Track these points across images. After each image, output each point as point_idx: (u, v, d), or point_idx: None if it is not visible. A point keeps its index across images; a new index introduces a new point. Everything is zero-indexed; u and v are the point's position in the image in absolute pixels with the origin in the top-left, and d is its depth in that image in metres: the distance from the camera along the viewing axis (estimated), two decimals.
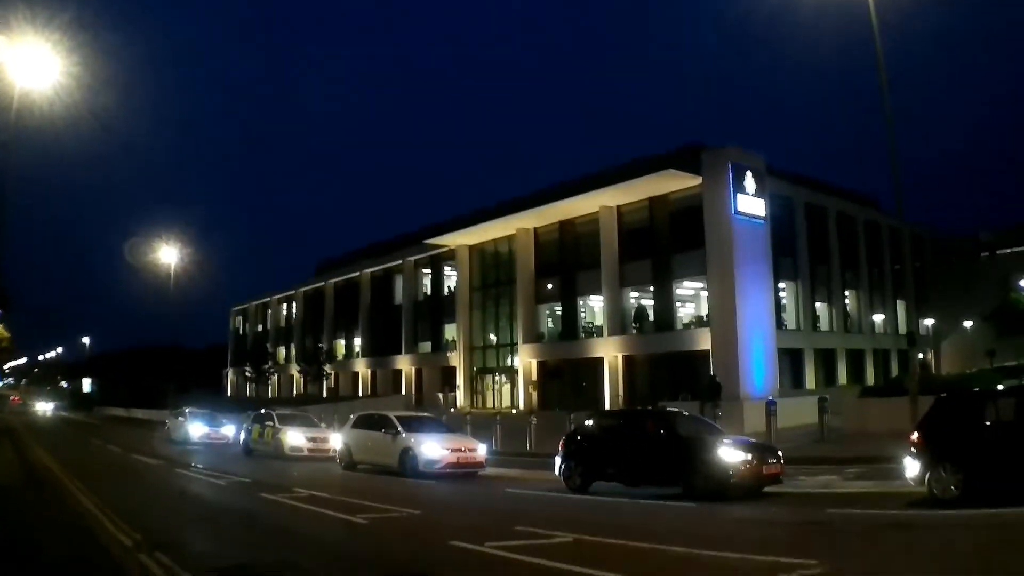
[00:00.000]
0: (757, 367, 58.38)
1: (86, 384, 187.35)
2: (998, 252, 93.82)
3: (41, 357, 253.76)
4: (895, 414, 34.58)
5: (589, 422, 29.54)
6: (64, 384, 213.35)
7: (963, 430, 19.62)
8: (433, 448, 31.69)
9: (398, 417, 35.00)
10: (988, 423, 19.28)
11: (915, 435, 20.52)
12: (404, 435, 32.80)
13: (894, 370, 71.01)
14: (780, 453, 24.21)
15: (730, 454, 22.55)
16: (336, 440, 39.87)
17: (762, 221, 61.16)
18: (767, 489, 22.93)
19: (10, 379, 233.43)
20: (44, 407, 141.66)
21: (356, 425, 36.73)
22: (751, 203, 60.21)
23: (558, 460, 27.41)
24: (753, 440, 26.39)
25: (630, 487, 25.08)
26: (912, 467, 20.09)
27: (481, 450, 33.14)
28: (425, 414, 43.94)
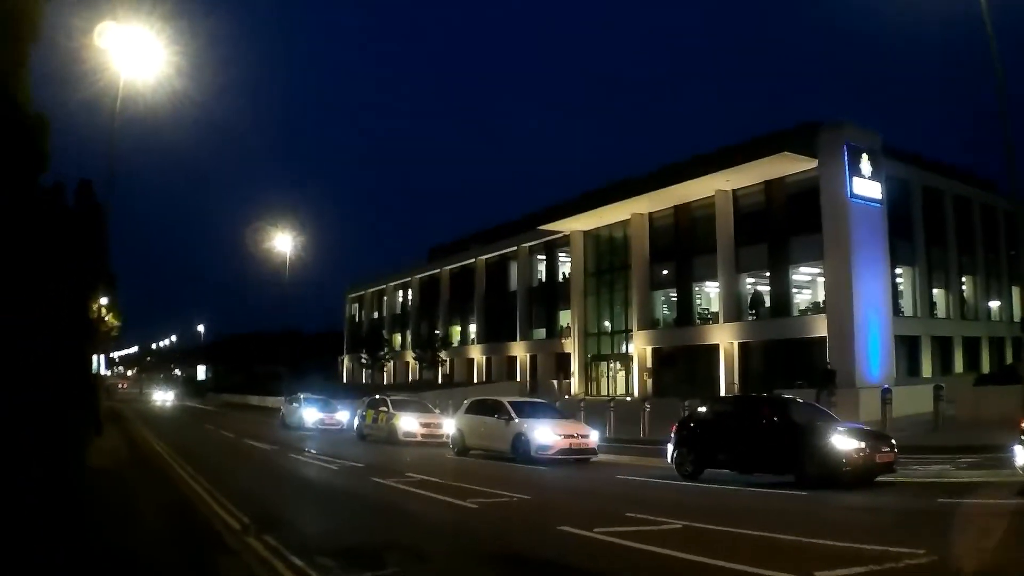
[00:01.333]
0: (873, 354, 57.73)
1: (200, 371, 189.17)
2: None
3: (154, 345, 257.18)
4: (1009, 402, 34.12)
5: (701, 409, 29.48)
6: (177, 372, 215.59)
7: None
8: (545, 433, 31.88)
9: (511, 403, 35.18)
10: None
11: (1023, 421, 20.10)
12: (516, 420, 33.02)
13: (1008, 357, 69.68)
14: (894, 441, 23.88)
15: (843, 442, 22.38)
16: (449, 426, 40.20)
17: (878, 204, 60.27)
18: (880, 478, 22.74)
19: (120, 367, 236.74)
20: (163, 396, 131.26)
21: (469, 411, 37.05)
22: (867, 185, 59.38)
23: (670, 447, 27.34)
24: (866, 427, 26.30)
25: (742, 474, 25.06)
26: (1021, 455, 19.79)
27: (593, 436, 33.22)
28: (538, 400, 44.05)
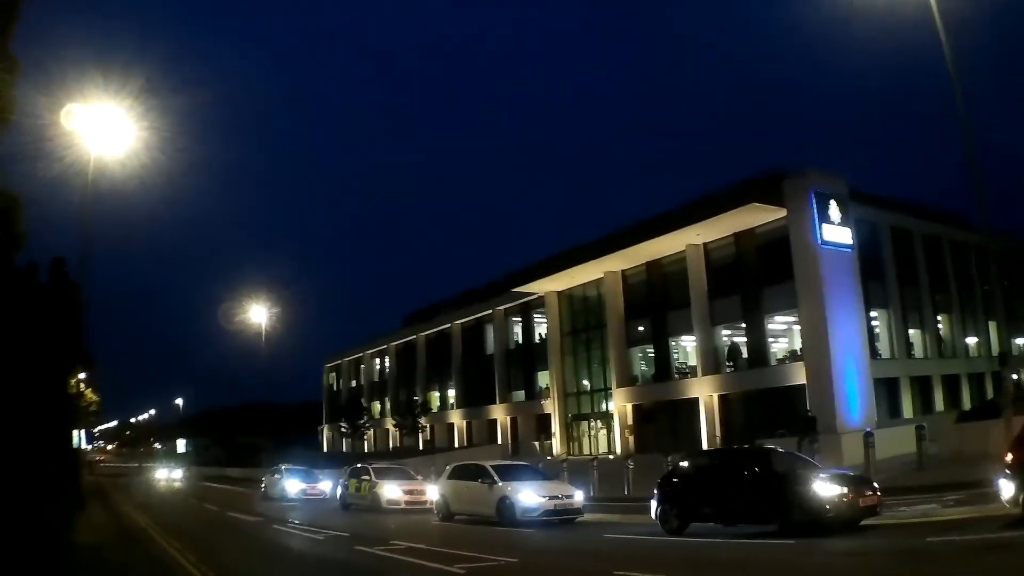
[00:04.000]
0: (853, 398, 57.69)
1: (181, 444, 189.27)
2: None
3: (133, 419, 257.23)
4: (991, 437, 34.53)
5: (684, 463, 29.63)
6: (158, 445, 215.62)
7: None
8: (530, 496, 31.87)
9: (494, 466, 35.25)
10: None
11: (1008, 456, 20.20)
12: (500, 484, 32.95)
13: (989, 393, 69.70)
14: (876, 484, 24.09)
15: (825, 488, 22.53)
16: (433, 492, 40.14)
17: (849, 248, 60.37)
18: (865, 521, 22.86)
19: (100, 442, 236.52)
20: (169, 474, 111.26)
21: (452, 476, 37.00)
22: (836, 231, 59.53)
23: (653, 503, 27.45)
24: (849, 472, 26.44)
25: (727, 526, 25.12)
26: (1007, 488, 19.81)
27: (578, 496, 33.25)
28: (521, 462, 44.01)
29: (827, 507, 22.20)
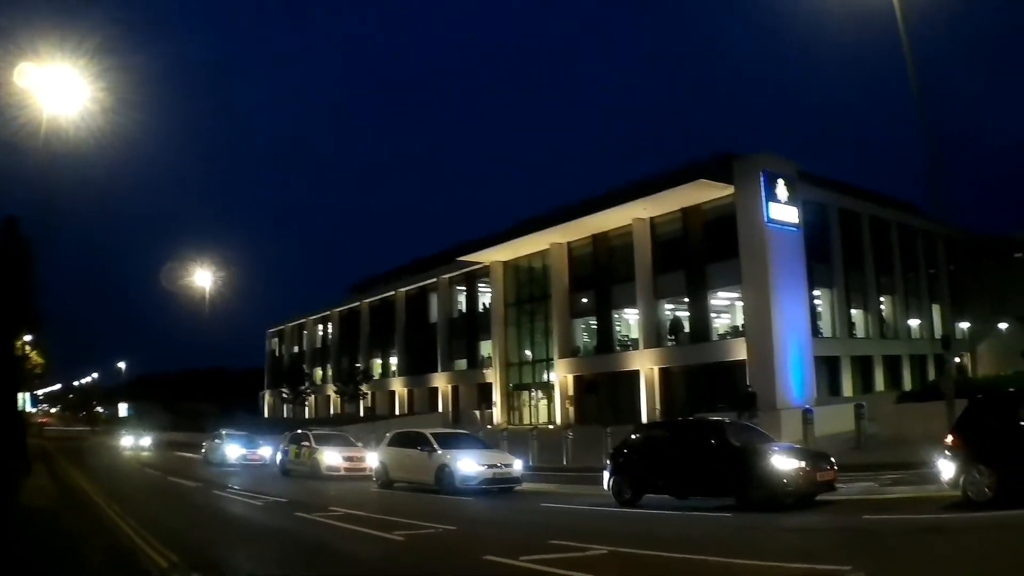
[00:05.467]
0: (794, 376, 58.18)
1: (123, 409, 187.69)
2: None
3: (76, 383, 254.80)
4: (932, 419, 34.48)
5: (637, 434, 29.37)
6: (100, 409, 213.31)
7: (997, 432, 19.50)
8: (469, 464, 31.76)
9: (433, 434, 35.09)
10: (1022, 424, 19.13)
11: (949, 438, 20.41)
12: (440, 452, 32.82)
13: (931, 375, 70.75)
14: (833, 460, 23.99)
15: (784, 462, 22.44)
16: (372, 459, 39.93)
17: (796, 228, 60.80)
18: (821, 497, 22.83)
19: (44, 405, 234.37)
20: (135, 442, 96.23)
21: (392, 443, 36.76)
22: (784, 210, 59.94)
23: (606, 474, 27.20)
24: (806, 447, 26.91)
25: (681, 499, 24.88)
26: (947, 470, 19.98)
27: (517, 465, 33.13)
28: (461, 431, 44.09)
29: (784, 482, 22.13)
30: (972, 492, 19.06)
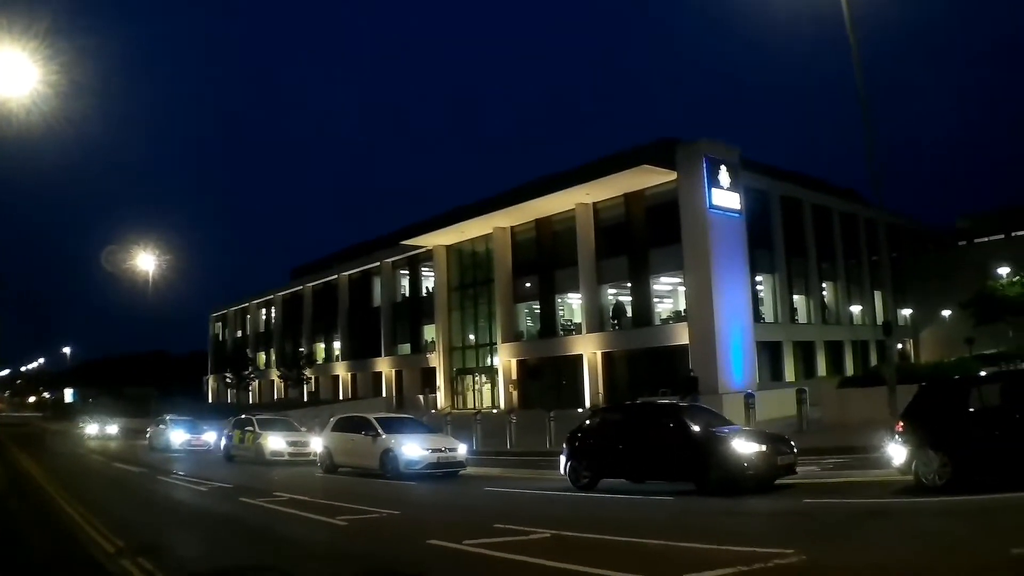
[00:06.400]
0: (736, 361, 58.62)
1: (68, 394, 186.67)
2: (975, 240, 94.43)
3: (24, 368, 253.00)
4: (873, 404, 34.78)
5: (594, 418, 29.24)
6: (46, 395, 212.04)
7: (948, 417, 19.68)
8: (413, 449, 31.83)
9: (378, 419, 35.14)
10: (972, 409, 19.26)
11: (900, 423, 20.58)
12: (384, 436, 32.91)
13: (873, 360, 71.33)
14: (793, 443, 24.10)
15: (744, 446, 22.38)
16: (316, 444, 40.01)
17: (738, 214, 61.25)
18: (780, 481, 22.95)
19: None
20: (100, 430, 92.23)
21: (336, 428, 36.79)
22: (726, 196, 60.33)
23: (563, 458, 27.09)
24: (767, 431, 26.38)
25: (639, 483, 24.88)
26: (899, 455, 20.16)
27: (462, 450, 33.28)
28: (405, 415, 44.09)
29: (745, 465, 22.10)
30: (925, 477, 19.25)
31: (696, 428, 23.80)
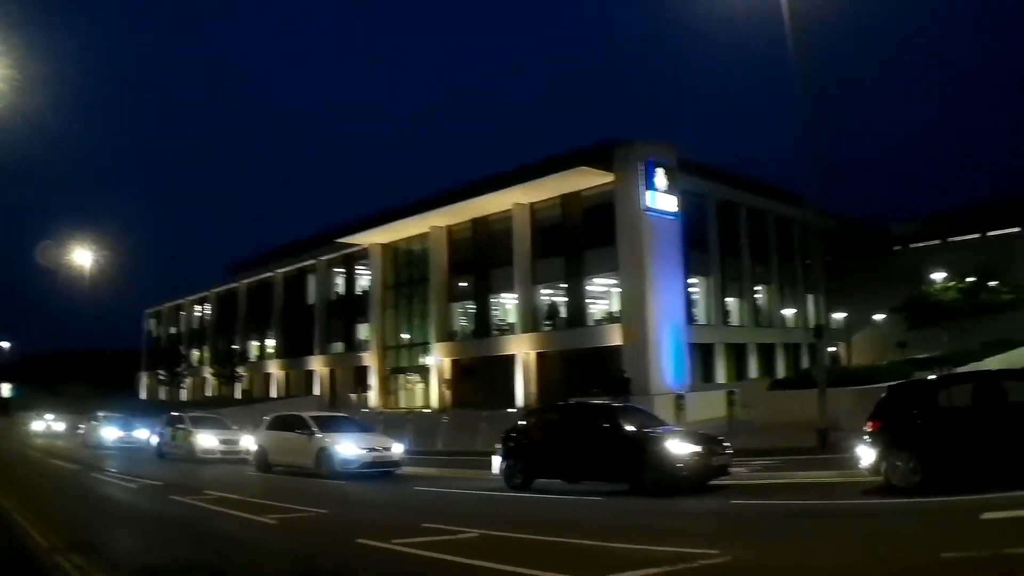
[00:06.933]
0: (668, 362, 59.08)
1: (5, 389, 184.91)
2: (910, 245, 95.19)
3: None
4: (804, 406, 35.08)
5: (529, 418, 29.38)
6: None
7: (918, 417, 19.82)
8: (349, 447, 31.81)
9: (313, 417, 35.09)
10: (942, 410, 19.48)
11: (869, 424, 20.49)
12: (319, 435, 32.80)
13: (805, 363, 72.00)
14: (727, 444, 23.97)
15: (679, 446, 22.31)
16: (248, 442, 40.04)
17: (674, 216, 61.93)
18: (715, 481, 22.87)
19: None
20: (49, 427, 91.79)
21: (271, 427, 36.61)
22: (663, 199, 60.97)
23: (497, 458, 26.97)
24: (701, 432, 26.31)
25: (573, 483, 24.79)
26: (867, 456, 20.14)
27: (397, 449, 33.27)
28: (340, 414, 43.99)
29: (680, 465, 22.02)
30: (894, 478, 19.31)
31: (631, 428, 23.86)
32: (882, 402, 21.08)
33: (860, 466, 20.52)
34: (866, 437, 20.36)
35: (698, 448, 22.40)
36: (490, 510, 21.74)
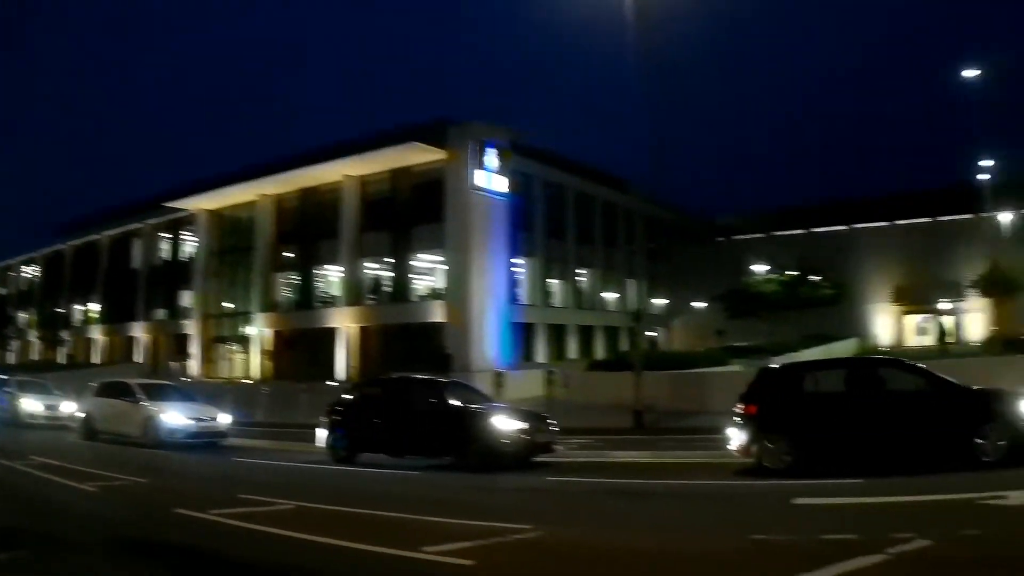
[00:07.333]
0: (490, 340, 60.25)
1: None
2: (734, 237, 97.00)
3: None
4: (620, 387, 36.11)
5: (355, 391, 29.44)
6: None
7: (789, 401, 20.42)
8: (175, 417, 31.88)
9: (141, 385, 35.05)
10: (813, 395, 20.31)
11: (740, 406, 20.90)
12: (147, 404, 32.70)
13: (624, 346, 72.48)
14: (552, 422, 24.48)
15: (505, 422, 22.90)
16: (72, 407, 39.81)
17: (503, 197, 63.04)
18: (539, 458, 23.20)
19: None
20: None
21: (98, 393, 36.19)
22: (494, 179, 62.10)
23: (322, 431, 27.05)
24: (527, 409, 26.87)
25: (398, 458, 25.07)
26: (738, 437, 20.55)
27: (223, 419, 33.50)
28: (168, 382, 43.86)
29: (505, 442, 22.45)
30: (767, 461, 19.73)
31: (457, 403, 24.37)
32: (754, 384, 21.48)
33: (729, 447, 20.83)
34: (737, 419, 20.70)
35: (524, 425, 22.96)
36: (311, 482, 22.01)
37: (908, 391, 19.34)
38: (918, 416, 18.86)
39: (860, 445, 19.16)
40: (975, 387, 19.50)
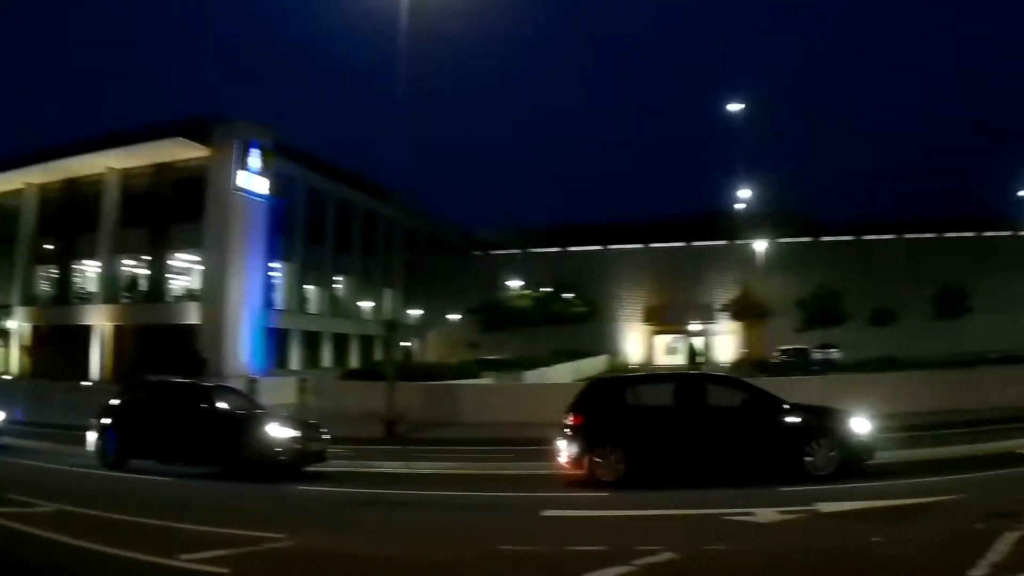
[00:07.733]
0: (245, 345, 60.52)
1: None
2: (491, 252, 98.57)
3: None
4: (373, 397, 36.34)
5: (125, 394, 28.21)
6: None
7: (618, 413, 20.88)
8: None
9: None
10: (643, 407, 20.95)
11: (569, 417, 20.95)
12: None
13: (378, 355, 73.88)
14: (325, 431, 24.37)
15: (277, 430, 22.61)
16: None
17: (264, 199, 63.23)
18: (311, 467, 23.25)
19: None
20: None
21: None
22: (256, 180, 62.23)
23: (92, 434, 25.87)
24: (300, 418, 27.27)
25: (167, 464, 24.10)
26: (568, 450, 20.54)
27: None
28: None
29: (277, 450, 22.16)
30: (597, 471, 19.93)
31: (227, 409, 24.22)
32: (582, 396, 21.69)
33: (560, 459, 20.76)
34: (567, 430, 20.76)
35: (297, 433, 22.77)
36: (75, 486, 21.54)
37: (736, 406, 20.31)
38: (747, 430, 19.99)
39: (688, 457, 19.93)
40: (807, 404, 20.74)
